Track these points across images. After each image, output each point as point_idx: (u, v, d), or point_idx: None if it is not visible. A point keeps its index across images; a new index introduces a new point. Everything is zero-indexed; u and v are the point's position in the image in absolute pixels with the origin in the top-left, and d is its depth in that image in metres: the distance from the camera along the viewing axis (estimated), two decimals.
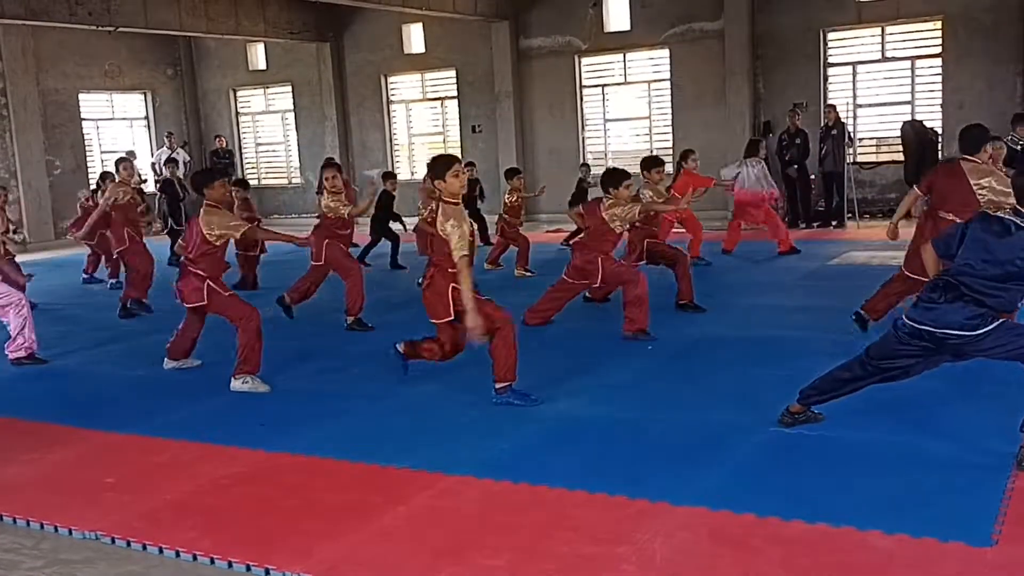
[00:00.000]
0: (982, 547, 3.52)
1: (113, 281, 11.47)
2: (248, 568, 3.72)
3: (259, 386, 6.35)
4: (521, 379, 6.29)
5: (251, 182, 20.65)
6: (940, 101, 14.38)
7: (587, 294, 8.66)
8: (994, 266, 4.23)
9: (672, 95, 16.34)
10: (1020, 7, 13.52)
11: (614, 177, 7.56)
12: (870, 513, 3.81)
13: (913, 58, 14.65)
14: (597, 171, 17.37)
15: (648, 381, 6.12)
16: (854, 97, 15.08)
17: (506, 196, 11.69)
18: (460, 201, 5.61)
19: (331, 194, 8.37)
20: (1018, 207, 4.29)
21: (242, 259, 11.02)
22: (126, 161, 10.47)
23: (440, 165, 5.62)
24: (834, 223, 14.21)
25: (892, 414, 5.08)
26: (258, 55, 20.15)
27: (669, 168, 11.13)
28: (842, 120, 14.12)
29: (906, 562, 3.46)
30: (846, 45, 15.14)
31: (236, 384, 6.36)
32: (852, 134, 14.57)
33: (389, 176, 12.81)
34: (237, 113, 20.93)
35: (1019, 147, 11.19)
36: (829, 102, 14.72)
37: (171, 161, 15.84)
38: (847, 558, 3.51)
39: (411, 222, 11.71)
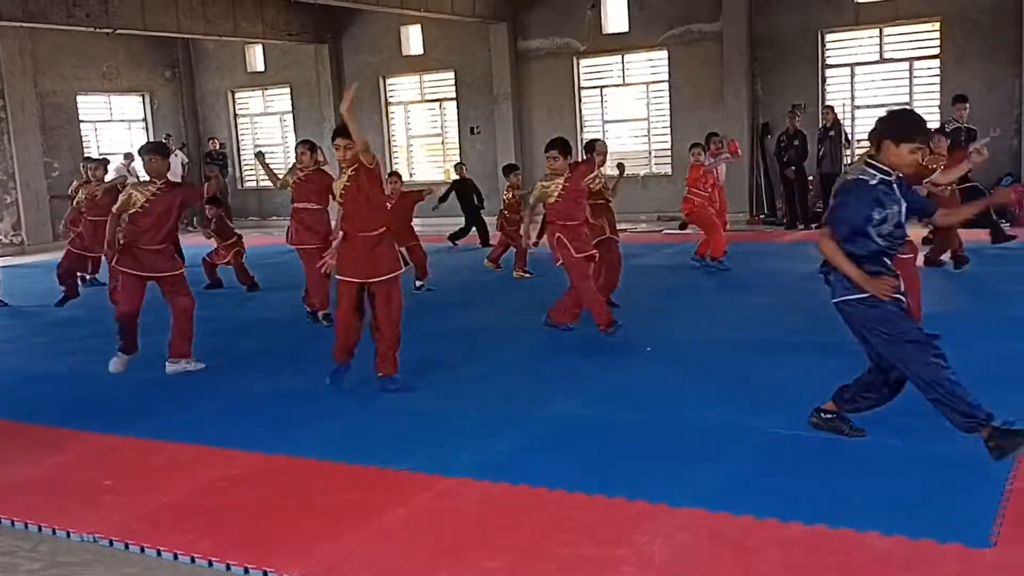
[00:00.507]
0: (980, 548, 3.52)
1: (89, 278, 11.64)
2: (247, 570, 3.71)
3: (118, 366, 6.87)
4: (519, 380, 6.31)
5: (249, 183, 20.81)
6: (938, 102, 14.39)
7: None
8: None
9: (670, 96, 16.36)
10: (1018, 8, 13.53)
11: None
12: (868, 514, 3.81)
13: (911, 59, 14.66)
14: None
15: (647, 382, 6.12)
16: (852, 98, 15.09)
17: (504, 193, 11.71)
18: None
19: (297, 171, 8.24)
20: (869, 159, 4.38)
21: (236, 269, 11.06)
22: (89, 162, 11.05)
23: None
24: None
25: (889, 415, 5.08)
26: (256, 57, 20.15)
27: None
28: (840, 121, 14.13)
29: (904, 563, 3.46)
30: (844, 46, 15.15)
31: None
32: (849, 135, 14.59)
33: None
34: (235, 115, 20.93)
35: (951, 128, 11.50)
36: (827, 103, 14.74)
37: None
38: (846, 559, 3.51)
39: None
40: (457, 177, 14.56)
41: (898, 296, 4.32)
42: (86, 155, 13.46)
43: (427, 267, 10.19)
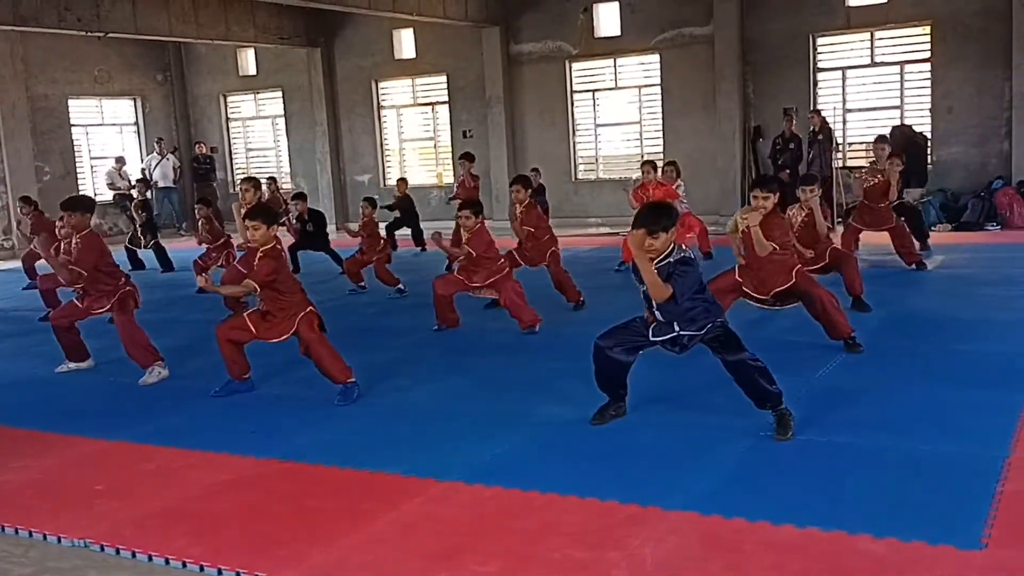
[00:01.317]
0: (972, 550, 3.53)
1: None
2: (238, 575, 3.70)
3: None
4: (511, 383, 6.31)
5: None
6: (929, 106, 14.45)
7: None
8: None
9: (662, 100, 16.39)
10: (1008, 12, 13.59)
11: None
12: (860, 517, 3.81)
13: (902, 63, 14.71)
14: (587, 176, 17.52)
15: (638, 385, 6.10)
16: (843, 102, 15.14)
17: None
18: None
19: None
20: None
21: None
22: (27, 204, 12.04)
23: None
24: None
25: (881, 418, 5.10)
26: (248, 60, 20.13)
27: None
28: (828, 125, 14.17)
29: (896, 566, 3.47)
30: (835, 50, 15.19)
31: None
32: (837, 139, 14.63)
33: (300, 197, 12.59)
34: (227, 118, 20.89)
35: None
36: (815, 107, 14.76)
37: (143, 181, 16.04)
38: (838, 562, 3.52)
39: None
40: (399, 195, 14.67)
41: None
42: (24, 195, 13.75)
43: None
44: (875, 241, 10.47)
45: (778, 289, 6.75)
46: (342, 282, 10.79)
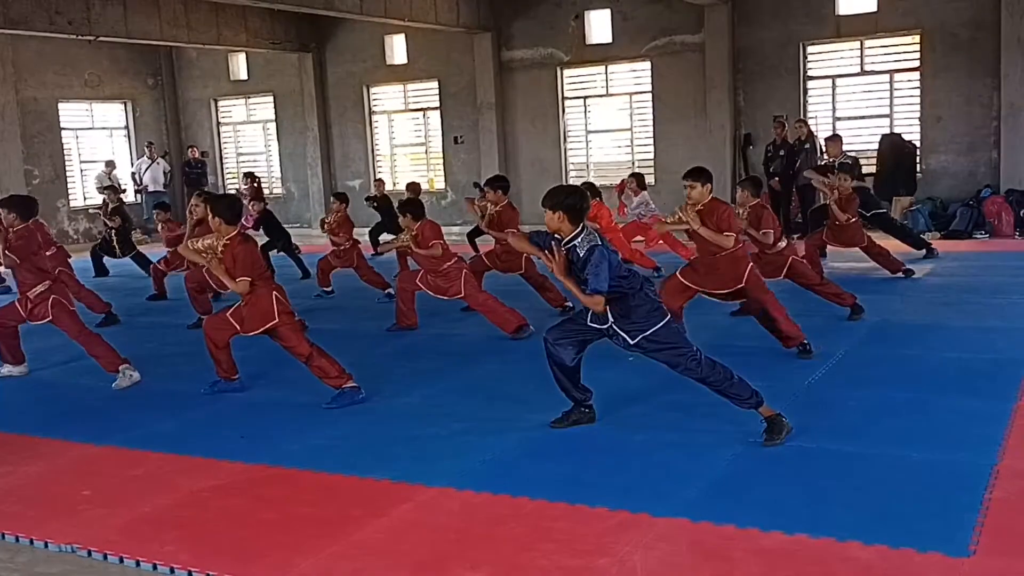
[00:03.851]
0: (959, 557, 3.54)
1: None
2: None
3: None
4: (501, 389, 6.31)
5: (232, 192, 20.70)
6: (919, 114, 14.51)
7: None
8: None
9: (653, 107, 16.43)
10: (997, 22, 13.67)
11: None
12: (849, 524, 3.83)
13: (891, 72, 14.78)
14: (578, 182, 17.51)
15: (629, 392, 6.12)
16: (833, 110, 15.19)
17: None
18: None
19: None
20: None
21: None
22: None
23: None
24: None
25: (870, 425, 5.12)
26: (239, 65, 20.11)
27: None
28: (814, 134, 14.22)
29: (885, 572, 3.48)
30: (825, 59, 15.26)
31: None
32: (823, 147, 14.65)
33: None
34: (218, 123, 20.85)
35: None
36: (802, 117, 14.79)
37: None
38: (826, 569, 3.52)
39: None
40: (377, 194, 14.55)
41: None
42: None
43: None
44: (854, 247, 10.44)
45: (724, 291, 6.80)
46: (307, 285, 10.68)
